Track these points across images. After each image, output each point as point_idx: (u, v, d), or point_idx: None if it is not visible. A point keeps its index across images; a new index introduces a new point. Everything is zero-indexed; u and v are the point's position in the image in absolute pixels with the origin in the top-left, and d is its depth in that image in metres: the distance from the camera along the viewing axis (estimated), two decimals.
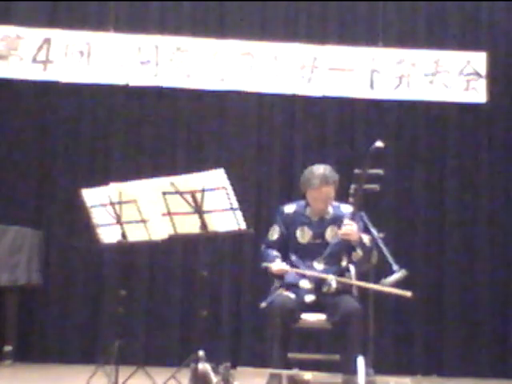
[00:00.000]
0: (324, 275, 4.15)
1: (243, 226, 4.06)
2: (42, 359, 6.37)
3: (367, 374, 3.79)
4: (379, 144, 3.90)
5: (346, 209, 4.18)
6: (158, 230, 4.46)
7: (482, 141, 6.89)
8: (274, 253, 4.29)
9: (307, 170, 4.28)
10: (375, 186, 3.93)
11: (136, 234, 4.63)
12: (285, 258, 4.30)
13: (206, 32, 6.74)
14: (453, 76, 6.68)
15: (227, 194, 4.00)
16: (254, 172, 6.81)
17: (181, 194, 4.14)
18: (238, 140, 6.83)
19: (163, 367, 5.37)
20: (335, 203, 4.31)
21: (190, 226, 4.21)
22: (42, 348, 6.49)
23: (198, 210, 4.13)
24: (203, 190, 4.07)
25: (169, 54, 6.59)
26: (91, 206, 4.79)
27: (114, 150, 6.80)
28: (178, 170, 5.86)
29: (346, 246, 4.13)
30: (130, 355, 4.85)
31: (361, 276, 4.24)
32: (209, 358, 4.20)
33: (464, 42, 6.88)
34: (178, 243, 6.21)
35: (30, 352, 6.37)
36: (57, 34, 6.55)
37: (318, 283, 4.17)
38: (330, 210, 4.30)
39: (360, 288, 4.17)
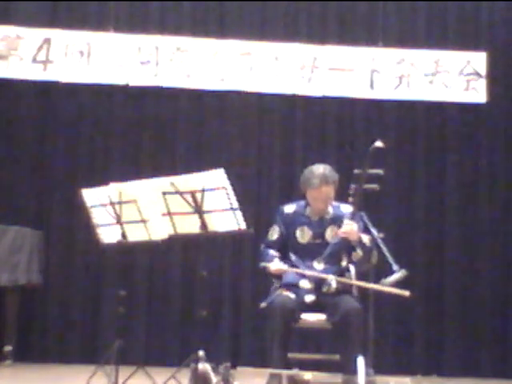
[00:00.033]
0: (324, 275, 4.15)
1: (243, 226, 4.06)
2: (41, 359, 6.38)
3: (367, 374, 3.79)
4: (379, 144, 3.91)
5: (346, 209, 4.17)
6: (158, 230, 4.46)
7: (482, 141, 6.89)
8: (273, 253, 4.29)
9: (307, 170, 4.27)
10: (375, 186, 3.93)
11: (136, 234, 4.63)
12: (285, 258, 4.30)
13: (205, 32, 6.75)
14: (453, 76, 6.68)
15: (227, 194, 4.00)
16: (254, 172, 6.81)
17: (181, 194, 4.14)
18: (238, 140, 6.83)
19: (163, 367, 5.37)
20: (335, 203, 4.31)
21: (190, 225, 4.21)
22: (41, 348, 6.49)
23: (198, 210, 4.13)
24: (203, 190, 4.07)
25: (169, 53, 6.59)
26: (91, 206, 4.79)
27: (113, 150, 6.80)
28: (178, 170, 5.86)
29: (346, 246, 4.13)
30: (130, 355, 4.85)
31: (361, 276, 4.24)
32: (209, 358, 4.20)
33: (464, 42, 6.87)
34: (177, 243, 6.21)
35: (30, 352, 6.37)
36: (57, 34, 6.55)
37: (318, 283, 4.17)
38: (330, 209, 4.30)
39: (360, 288, 4.17)
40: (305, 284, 4.19)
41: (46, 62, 6.50)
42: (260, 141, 6.87)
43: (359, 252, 4.09)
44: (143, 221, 4.52)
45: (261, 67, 6.62)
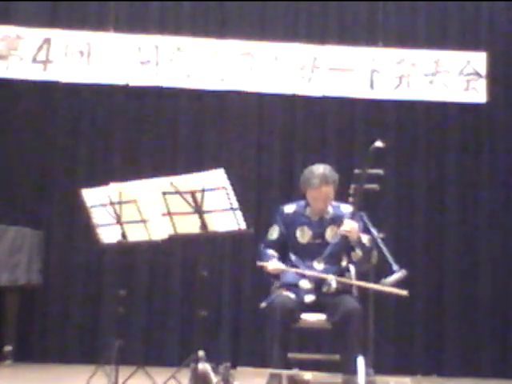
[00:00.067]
0: (324, 275, 4.15)
1: (243, 226, 4.06)
2: (42, 359, 6.38)
3: (367, 374, 3.79)
4: (379, 144, 3.91)
5: (346, 209, 4.18)
6: (158, 230, 4.46)
7: (482, 141, 6.89)
8: (271, 252, 4.29)
9: (307, 170, 4.28)
10: (375, 186, 3.93)
11: (136, 234, 4.63)
12: (284, 258, 4.30)
13: (205, 32, 6.75)
14: (453, 76, 6.68)
15: (227, 194, 4.00)
16: (254, 172, 6.81)
17: (181, 194, 4.13)
18: (238, 140, 6.83)
19: (163, 367, 5.37)
20: (335, 203, 4.31)
21: (190, 225, 4.20)
22: (41, 348, 6.49)
23: (198, 210, 4.13)
24: (203, 190, 4.07)
25: (169, 53, 6.60)
26: (91, 206, 4.78)
27: (114, 150, 6.80)
28: (178, 170, 5.86)
29: (346, 246, 4.13)
30: (130, 355, 4.85)
31: (361, 276, 4.24)
32: (209, 358, 4.20)
33: (464, 41, 6.88)
34: (177, 243, 6.21)
35: (29, 352, 6.37)
36: (57, 34, 6.55)
37: (318, 283, 4.17)
38: (330, 209, 4.30)
39: (360, 288, 4.17)
40: (305, 284, 4.19)
41: (46, 62, 6.50)
42: (260, 141, 6.87)
43: (358, 252, 4.09)
44: (143, 221, 4.52)
45: (261, 67, 6.62)
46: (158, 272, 6.65)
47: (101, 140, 6.82)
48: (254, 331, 6.32)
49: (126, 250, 5.62)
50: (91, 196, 4.76)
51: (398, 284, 3.81)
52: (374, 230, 3.99)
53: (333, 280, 4.14)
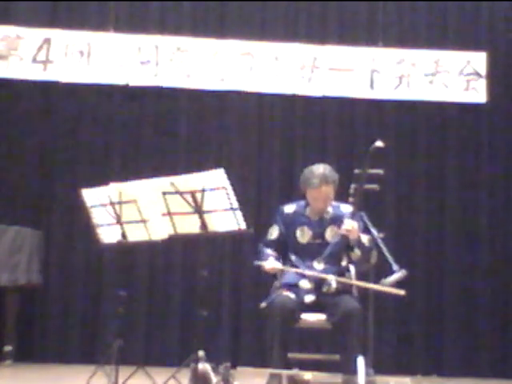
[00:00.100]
0: (323, 275, 4.15)
1: (243, 225, 4.06)
2: (42, 359, 6.38)
3: (367, 374, 3.79)
4: (379, 144, 3.91)
5: (346, 208, 4.17)
6: (158, 230, 4.46)
7: (482, 141, 6.89)
8: (269, 252, 4.29)
9: (307, 170, 4.28)
10: (375, 186, 3.93)
11: (136, 234, 4.63)
12: (284, 258, 4.30)
13: (205, 32, 6.75)
14: (453, 76, 6.68)
15: (227, 194, 4.00)
16: (254, 172, 6.81)
17: (181, 194, 4.14)
18: (238, 140, 6.84)
19: (163, 367, 5.37)
20: (335, 203, 4.31)
21: (190, 225, 4.20)
22: (42, 348, 6.49)
23: (198, 210, 4.13)
24: (203, 190, 4.07)
25: (169, 53, 6.60)
26: (91, 206, 4.78)
27: (114, 150, 6.80)
28: (178, 170, 5.86)
29: (346, 246, 4.13)
30: (130, 355, 4.85)
31: (361, 276, 4.24)
32: (209, 358, 4.20)
33: (464, 41, 6.87)
34: (178, 243, 6.22)
35: (29, 352, 6.37)
36: (57, 34, 6.55)
37: (318, 283, 4.17)
38: (330, 209, 4.30)
39: (360, 288, 4.17)
40: (305, 284, 4.19)
41: (46, 62, 6.50)
42: (260, 141, 6.87)
43: (357, 252, 4.09)
44: (143, 221, 4.52)
45: (261, 67, 6.62)
46: (158, 272, 6.65)
47: (101, 140, 6.82)
48: (254, 331, 6.33)
49: (126, 250, 5.61)
50: (91, 196, 4.76)
51: (398, 284, 3.80)
52: (373, 230, 3.99)
53: (333, 280, 4.14)
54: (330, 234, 4.26)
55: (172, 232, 4.32)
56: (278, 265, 4.21)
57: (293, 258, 4.26)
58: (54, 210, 6.68)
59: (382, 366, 4.15)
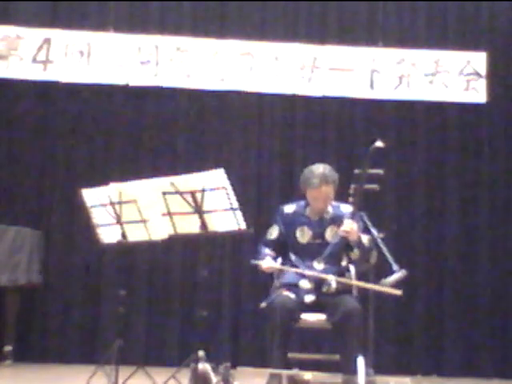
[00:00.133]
0: (323, 275, 4.14)
1: (243, 225, 4.06)
2: (42, 359, 6.38)
3: (367, 374, 3.79)
4: (379, 144, 3.90)
5: (346, 208, 4.17)
6: (158, 230, 4.47)
7: (482, 141, 6.89)
8: (267, 251, 4.29)
9: (307, 170, 4.27)
10: (375, 186, 3.93)
11: (136, 234, 4.64)
12: (284, 258, 4.30)
13: (205, 32, 6.75)
14: (453, 76, 6.68)
15: (227, 194, 4.00)
16: (254, 172, 6.81)
17: (181, 194, 4.14)
18: (238, 140, 6.84)
19: (163, 367, 5.38)
20: (335, 203, 4.31)
21: (190, 225, 4.21)
22: (41, 348, 6.49)
23: (198, 210, 4.13)
24: (203, 190, 4.07)
25: (169, 53, 6.60)
26: (91, 206, 4.79)
27: (114, 150, 6.80)
28: (178, 170, 5.86)
29: (346, 246, 4.13)
30: (130, 355, 4.85)
31: (361, 276, 4.23)
32: (209, 358, 4.20)
33: (464, 41, 6.88)
34: (178, 243, 6.22)
35: (29, 352, 6.37)
36: (57, 34, 6.55)
37: (318, 283, 4.17)
38: (330, 209, 4.30)
39: (360, 288, 4.17)
40: (305, 284, 4.19)
41: (46, 62, 6.50)
42: (260, 141, 6.87)
43: (356, 252, 4.09)
44: (143, 221, 4.52)
45: (261, 67, 6.62)
46: (158, 272, 6.65)
47: (101, 140, 6.82)
48: (253, 331, 6.33)
49: (126, 250, 5.63)
50: (91, 196, 4.76)
51: (398, 284, 3.80)
52: (374, 230, 3.99)
53: (332, 280, 4.14)
54: (329, 234, 4.26)
55: (172, 232, 4.32)
56: (275, 264, 4.21)
57: (293, 257, 4.26)
58: (54, 210, 6.68)
59: (381, 365, 4.15)
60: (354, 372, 3.78)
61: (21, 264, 6.09)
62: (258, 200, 6.69)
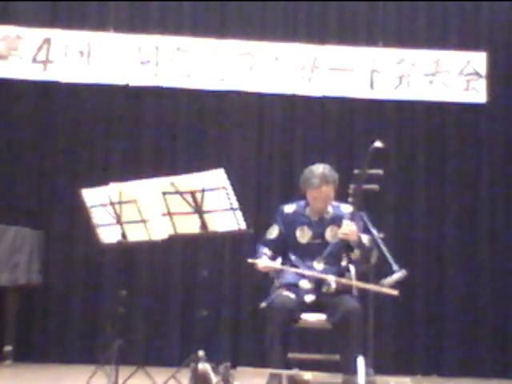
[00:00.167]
0: (322, 275, 4.14)
1: (243, 225, 4.06)
2: (42, 359, 6.37)
3: (367, 374, 3.79)
4: (378, 144, 3.90)
5: (346, 208, 4.17)
6: (158, 230, 4.47)
7: (482, 141, 6.89)
8: (265, 250, 4.30)
9: (307, 170, 4.28)
10: (375, 186, 3.93)
11: (136, 234, 4.64)
12: (284, 258, 4.30)
13: (205, 32, 6.74)
14: (453, 76, 6.68)
15: (227, 194, 4.00)
16: (254, 172, 6.81)
17: (181, 194, 4.14)
18: (238, 140, 6.83)
19: (163, 367, 5.38)
20: (335, 203, 4.31)
21: (190, 225, 4.21)
22: (42, 348, 6.48)
23: (198, 210, 4.13)
24: (203, 190, 4.07)
25: (169, 53, 6.59)
26: (91, 206, 4.79)
27: (114, 150, 6.80)
28: (178, 170, 5.86)
29: (345, 246, 4.13)
30: (130, 355, 4.85)
31: (361, 276, 4.23)
32: (209, 358, 4.20)
33: (464, 41, 6.87)
34: (178, 243, 6.22)
35: (30, 352, 6.37)
36: (57, 34, 6.55)
37: (318, 283, 4.17)
38: (330, 209, 4.30)
39: (360, 288, 4.17)
40: (305, 284, 4.19)
41: (46, 62, 6.50)
42: (260, 141, 6.87)
43: (356, 252, 4.09)
44: (143, 221, 4.53)
45: (261, 67, 6.62)
46: (158, 272, 6.65)
47: (101, 140, 6.82)
48: (253, 331, 6.32)
49: (126, 250, 5.63)
50: (91, 196, 4.76)
51: (398, 284, 3.80)
52: (374, 230, 3.99)
53: (332, 280, 4.14)
54: (329, 234, 4.26)
55: (172, 232, 4.32)
56: (271, 264, 4.21)
57: (293, 257, 4.26)
58: (54, 209, 6.68)
59: (381, 365, 4.14)
60: (354, 372, 3.78)
61: (21, 264, 6.09)
62: (257, 200, 6.69)
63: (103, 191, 4.66)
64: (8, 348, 6.07)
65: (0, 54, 6.45)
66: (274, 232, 4.35)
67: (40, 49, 6.49)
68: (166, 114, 6.83)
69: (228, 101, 6.82)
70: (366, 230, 4.05)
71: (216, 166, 4.07)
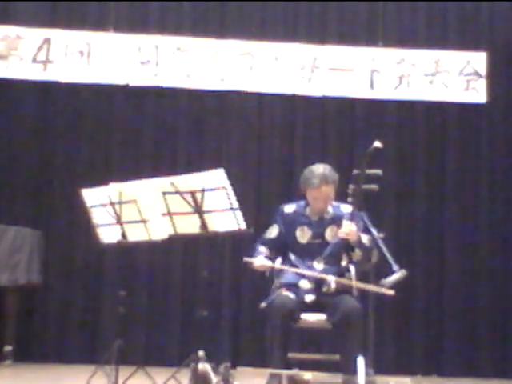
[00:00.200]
0: (322, 275, 4.14)
1: (243, 225, 4.06)
2: (42, 359, 6.37)
3: (367, 374, 3.80)
4: (377, 144, 3.90)
5: (346, 209, 4.17)
6: (158, 230, 4.46)
7: (482, 141, 6.89)
8: (262, 249, 4.30)
9: (307, 170, 4.28)
10: (374, 187, 3.93)
11: (136, 234, 4.63)
12: (284, 258, 4.30)
13: (205, 32, 6.74)
14: (453, 76, 6.68)
15: (227, 194, 4.00)
16: (254, 172, 6.81)
17: (181, 194, 4.14)
18: (238, 140, 6.83)
19: (163, 367, 5.38)
20: (335, 203, 4.31)
21: (189, 225, 4.21)
22: (41, 348, 6.48)
23: (198, 210, 4.13)
24: (203, 190, 4.07)
25: (169, 53, 6.60)
26: (91, 206, 4.79)
27: (114, 150, 6.80)
28: (178, 170, 5.86)
29: (346, 246, 4.13)
30: (130, 355, 4.85)
31: (361, 276, 4.23)
32: (209, 358, 4.20)
33: (464, 41, 6.87)
34: (178, 243, 6.22)
35: (29, 352, 6.37)
36: (57, 34, 6.55)
37: (318, 283, 4.17)
38: (330, 209, 4.30)
39: (360, 288, 4.17)
40: (305, 284, 4.19)
41: (45, 62, 6.50)
42: (260, 141, 6.87)
43: (357, 252, 4.09)
44: (143, 221, 4.52)
45: (261, 67, 6.62)
46: (158, 272, 6.65)
47: (101, 140, 6.82)
48: (253, 331, 6.32)
49: (126, 250, 5.63)
50: (91, 196, 4.76)
51: (398, 284, 3.80)
52: (374, 230, 3.99)
53: (332, 281, 4.14)
54: (329, 234, 4.26)
55: (172, 232, 4.32)
56: (267, 263, 4.21)
57: (292, 257, 4.26)
58: (54, 209, 6.68)
59: (381, 365, 4.14)
60: (354, 372, 3.78)
61: (21, 264, 6.09)
62: (257, 200, 6.69)
63: (103, 191, 4.66)
64: (8, 348, 6.07)
65: (0, 53, 6.46)
66: (273, 231, 4.36)
67: (40, 49, 6.49)
68: (166, 114, 6.83)
69: (228, 101, 6.82)
70: (366, 230, 4.06)
71: (216, 166, 4.07)
